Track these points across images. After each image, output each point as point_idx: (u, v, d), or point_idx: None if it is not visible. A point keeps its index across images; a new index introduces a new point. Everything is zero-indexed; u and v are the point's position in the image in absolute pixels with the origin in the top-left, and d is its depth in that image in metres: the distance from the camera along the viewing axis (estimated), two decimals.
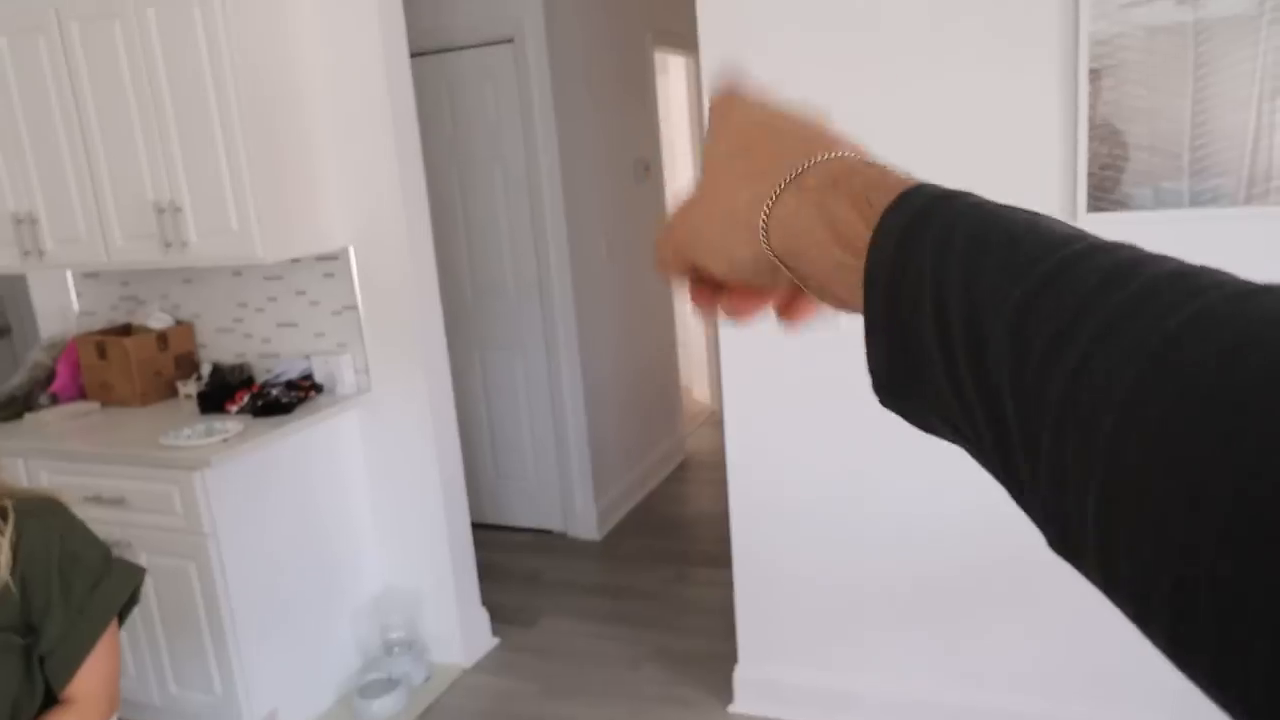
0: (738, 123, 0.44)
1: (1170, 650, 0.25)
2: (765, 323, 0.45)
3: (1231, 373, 0.24)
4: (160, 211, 2.67)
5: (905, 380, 0.35)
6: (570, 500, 3.97)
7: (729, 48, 2.26)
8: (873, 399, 0.36)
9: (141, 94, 2.61)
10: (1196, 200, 1.95)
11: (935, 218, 0.33)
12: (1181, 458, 0.24)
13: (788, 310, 0.43)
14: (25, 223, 2.91)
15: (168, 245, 2.70)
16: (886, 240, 0.34)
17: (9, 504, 1.34)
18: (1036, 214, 0.33)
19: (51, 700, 1.38)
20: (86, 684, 1.37)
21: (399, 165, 2.76)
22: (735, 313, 0.45)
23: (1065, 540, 0.29)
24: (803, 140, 0.40)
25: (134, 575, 1.45)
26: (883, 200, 0.35)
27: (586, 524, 3.97)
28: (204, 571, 2.53)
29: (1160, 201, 1.98)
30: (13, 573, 1.31)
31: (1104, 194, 2.01)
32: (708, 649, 2.98)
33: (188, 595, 2.57)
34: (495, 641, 3.20)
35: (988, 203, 0.34)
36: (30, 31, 2.74)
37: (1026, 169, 2.07)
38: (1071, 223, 0.33)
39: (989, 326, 0.30)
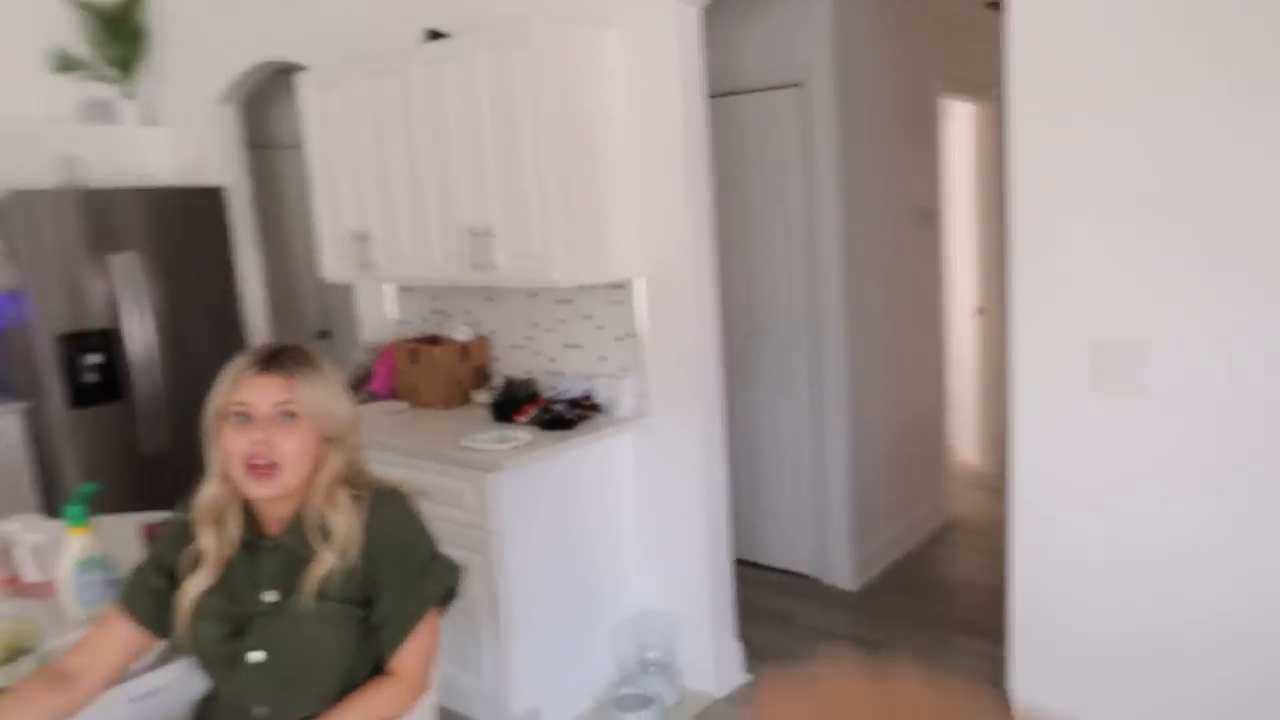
0: None
1: None
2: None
3: None
4: (474, 236, 2.94)
5: None
6: (826, 546, 3.91)
7: (1046, 103, 2.14)
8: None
9: (466, 129, 2.89)
10: None
11: None
12: None
13: None
14: (362, 239, 3.30)
15: (478, 266, 2.96)
16: None
17: (366, 493, 1.52)
18: None
19: (379, 670, 1.54)
20: (406, 661, 1.51)
21: (689, 203, 2.88)
22: None
23: None
24: None
25: (454, 571, 1.58)
26: None
27: (842, 572, 3.89)
28: (488, 566, 2.72)
29: None
30: (361, 549, 1.47)
31: None
32: None
33: (470, 585, 2.77)
34: (748, 677, 3.19)
35: None
36: (381, 74, 3.12)
37: None
38: None
39: None
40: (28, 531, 2.09)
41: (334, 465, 1.50)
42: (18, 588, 2.02)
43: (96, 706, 1.49)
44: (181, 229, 4.36)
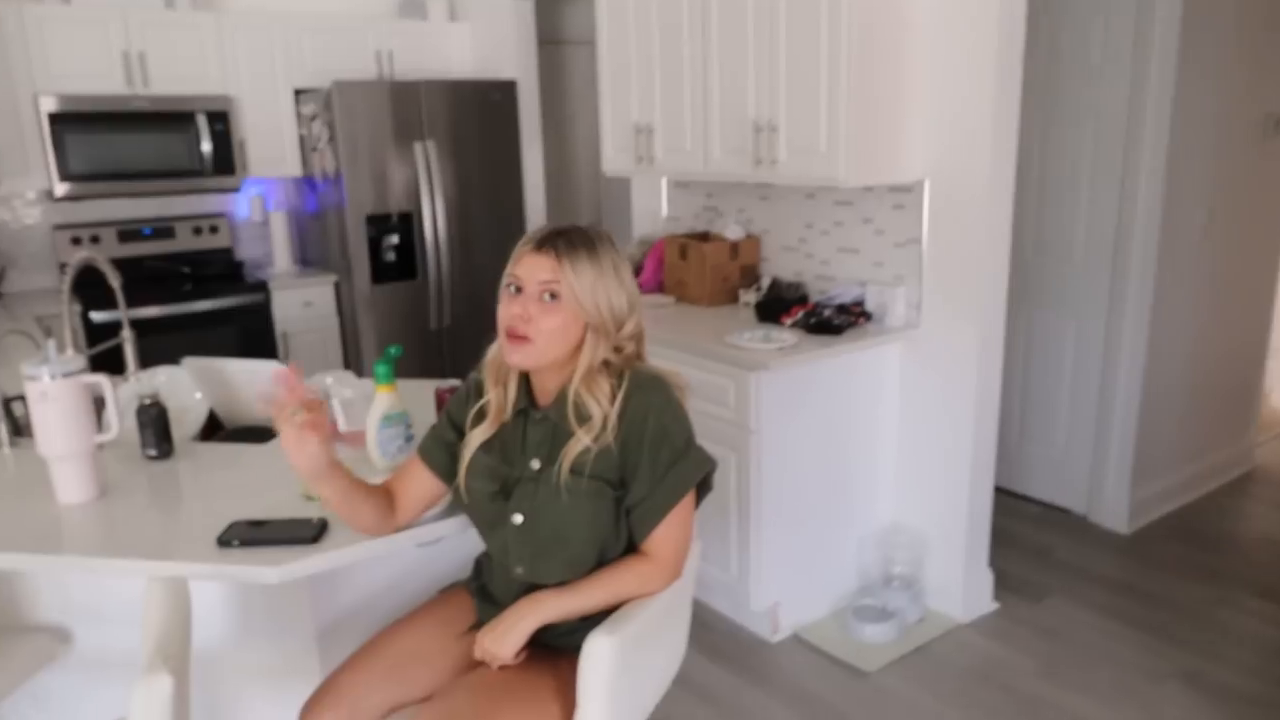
0: None
1: None
2: None
3: None
4: (757, 130, 2.88)
5: None
6: (1100, 483, 3.62)
7: None
8: None
9: (760, 20, 2.81)
10: None
11: None
12: None
13: None
14: (643, 132, 3.34)
15: (758, 162, 2.90)
16: None
17: (628, 373, 1.53)
18: None
19: (633, 549, 1.57)
20: (657, 545, 1.54)
21: (993, 103, 2.64)
22: None
23: None
24: None
25: (706, 463, 1.56)
26: None
27: (1114, 513, 3.60)
28: (742, 464, 2.75)
29: None
30: (616, 433, 1.50)
31: None
32: (1260, 692, 2.56)
33: (723, 482, 2.82)
34: (995, 606, 3.06)
35: None
36: None
37: None
38: None
39: None
40: (340, 386, 2.34)
41: (596, 352, 1.51)
42: (331, 434, 2.27)
43: (389, 548, 1.65)
44: (475, 120, 4.61)
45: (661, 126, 3.26)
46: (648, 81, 3.28)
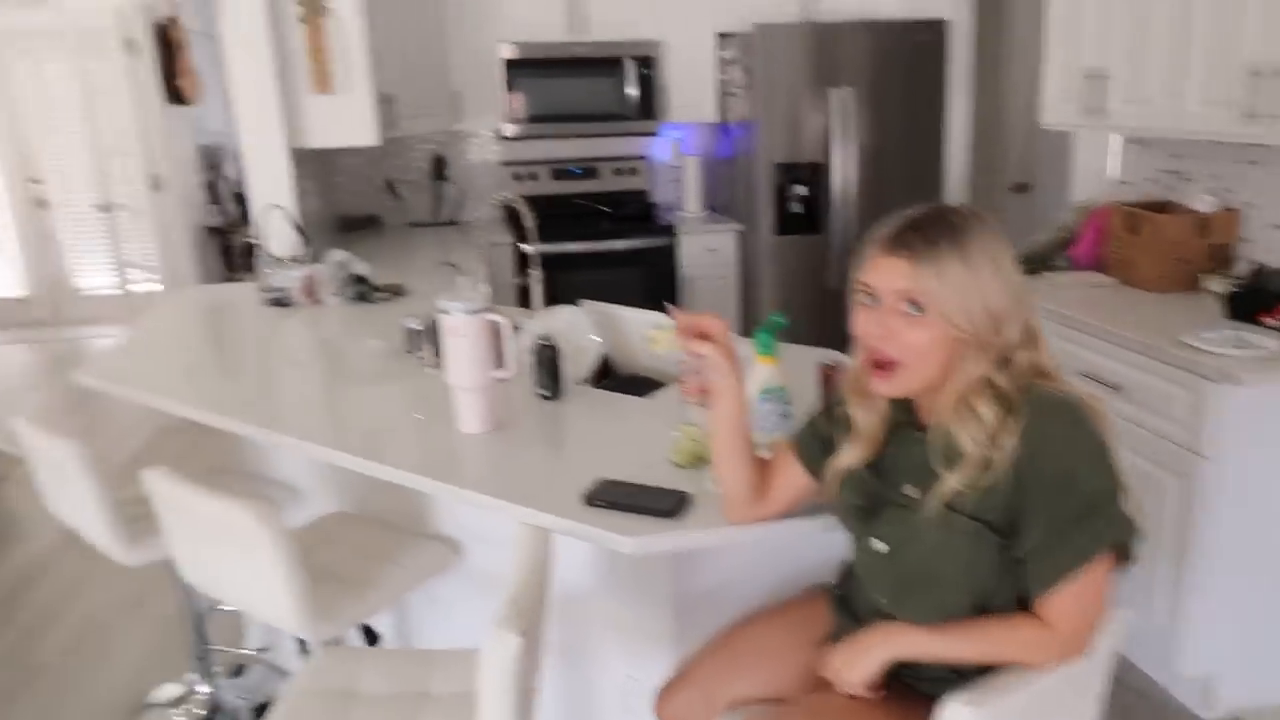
0: None
1: None
2: None
3: None
4: (1255, 75, 2.29)
5: None
6: None
7: None
8: None
9: None
10: None
11: None
12: None
13: None
14: (1096, 79, 2.84)
15: (1251, 116, 2.31)
16: None
17: (1019, 398, 1.22)
18: None
19: (1024, 604, 1.27)
20: (1058, 612, 1.23)
21: None
22: None
23: None
24: None
25: (1125, 529, 1.22)
26: None
27: None
28: (1185, 494, 2.25)
29: None
30: (1009, 472, 1.20)
31: None
32: None
33: (1155, 509, 2.34)
34: None
35: None
36: None
37: None
38: None
39: None
40: None
41: (970, 371, 1.23)
42: (708, 400, 2.19)
43: (746, 534, 1.53)
44: (897, 65, 4.28)
45: (1120, 71, 2.74)
46: (1107, 17, 2.77)
